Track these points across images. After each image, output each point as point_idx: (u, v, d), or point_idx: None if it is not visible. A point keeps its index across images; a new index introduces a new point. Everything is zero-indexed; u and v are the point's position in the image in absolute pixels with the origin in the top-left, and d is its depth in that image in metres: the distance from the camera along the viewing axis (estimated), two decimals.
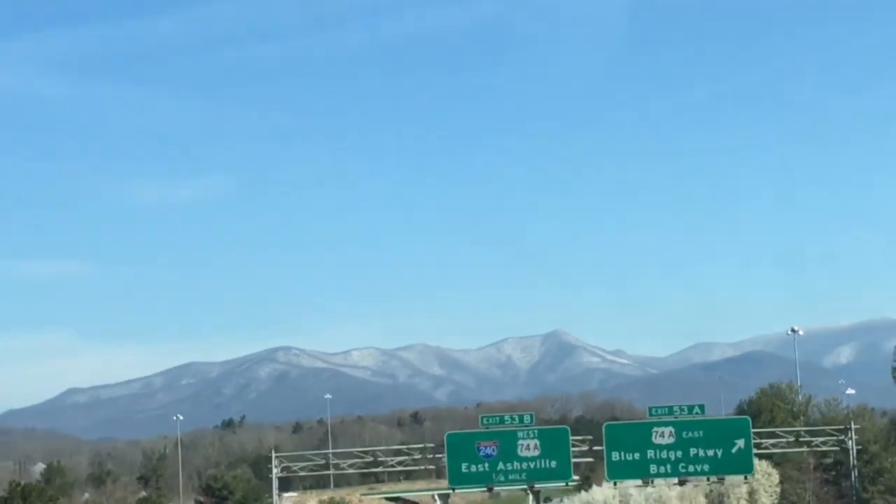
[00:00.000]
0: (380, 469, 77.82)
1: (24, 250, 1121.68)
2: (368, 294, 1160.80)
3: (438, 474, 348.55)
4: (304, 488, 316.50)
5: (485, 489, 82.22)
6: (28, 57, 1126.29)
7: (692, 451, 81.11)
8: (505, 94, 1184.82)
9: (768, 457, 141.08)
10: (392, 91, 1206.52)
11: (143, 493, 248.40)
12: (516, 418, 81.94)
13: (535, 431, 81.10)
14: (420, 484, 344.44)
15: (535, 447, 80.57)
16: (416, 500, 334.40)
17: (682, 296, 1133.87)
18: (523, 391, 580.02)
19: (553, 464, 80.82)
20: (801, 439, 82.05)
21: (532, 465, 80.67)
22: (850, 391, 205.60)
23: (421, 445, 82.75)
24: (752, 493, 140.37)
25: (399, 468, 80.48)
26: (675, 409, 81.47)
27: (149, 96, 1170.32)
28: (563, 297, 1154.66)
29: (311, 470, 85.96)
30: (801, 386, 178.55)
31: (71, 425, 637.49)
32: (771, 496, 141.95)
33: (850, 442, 79.80)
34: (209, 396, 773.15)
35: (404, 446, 79.69)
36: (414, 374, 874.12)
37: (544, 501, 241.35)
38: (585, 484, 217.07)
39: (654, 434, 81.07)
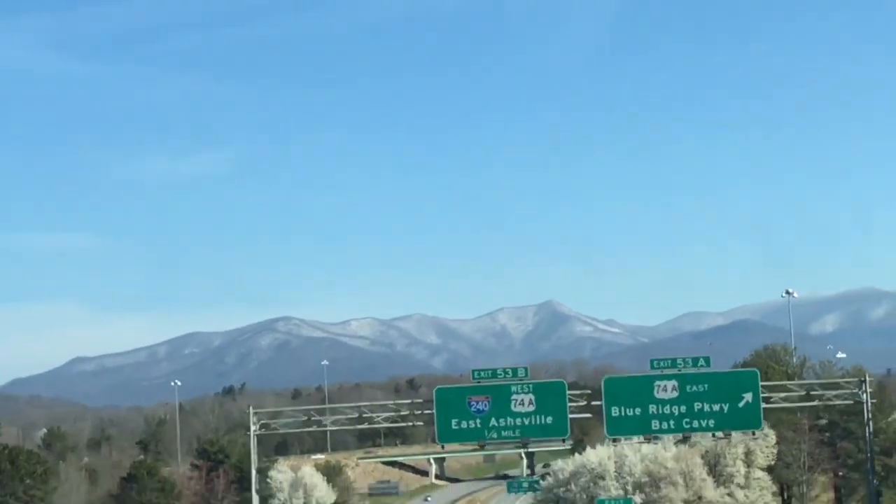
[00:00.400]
0: (365, 426, 70.78)
1: (34, 224, 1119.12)
2: (367, 266, 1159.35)
3: (434, 438, 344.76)
4: (301, 453, 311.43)
5: (476, 446, 74.47)
6: (36, 35, 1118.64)
7: (696, 405, 73.27)
8: (496, 75, 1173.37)
9: (764, 417, 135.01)
10: (389, 70, 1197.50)
11: (141, 457, 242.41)
12: (510, 372, 74.10)
13: (530, 386, 73.43)
14: (416, 448, 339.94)
15: (530, 402, 72.89)
16: (412, 463, 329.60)
17: (672, 266, 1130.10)
18: (517, 359, 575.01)
19: (548, 420, 73.17)
20: (812, 392, 74.21)
21: (526, 422, 73.09)
22: (841, 354, 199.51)
23: (409, 401, 75.16)
24: (748, 453, 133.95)
25: (386, 424, 73.11)
26: (678, 361, 73.22)
27: (154, 74, 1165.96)
28: (557, 268, 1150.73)
29: (292, 427, 78.34)
30: (795, 348, 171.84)
31: (77, 393, 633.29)
32: (767, 457, 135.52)
33: (864, 395, 72.09)
34: (212, 365, 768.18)
35: (392, 402, 72.33)
36: (411, 343, 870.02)
37: (542, 467, 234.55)
38: (579, 447, 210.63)
39: (656, 388, 73.27)
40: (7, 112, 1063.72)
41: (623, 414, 73.11)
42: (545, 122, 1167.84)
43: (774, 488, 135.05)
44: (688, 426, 72.93)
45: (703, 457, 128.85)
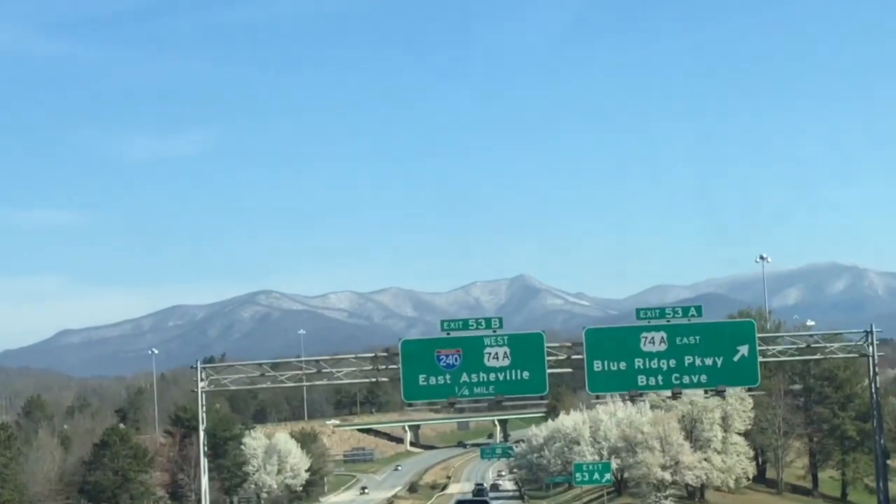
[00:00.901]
0: (324, 381, 61.32)
1: (23, 200, 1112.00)
2: (345, 241, 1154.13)
3: (408, 404, 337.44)
4: (279, 421, 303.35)
5: (446, 403, 64.59)
6: (27, 18, 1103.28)
7: (687, 359, 62.73)
8: (470, 56, 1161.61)
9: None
10: (368, 48, 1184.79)
11: (117, 425, 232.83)
12: (482, 323, 63.78)
13: (505, 338, 62.86)
14: (391, 416, 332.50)
15: (505, 356, 62.56)
16: (388, 431, 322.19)
17: (639, 242, 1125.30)
18: None
19: (525, 375, 62.52)
20: (813, 346, 64.69)
21: (501, 377, 62.64)
22: (811, 322, 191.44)
23: (371, 355, 65.71)
24: (725, 417, 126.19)
25: (348, 381, 64.44)
26: (667, 311, 63.08)
27: (140, 56, 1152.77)
28: (529, 243, 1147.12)
29: (244, 383, 68.99)
30: (770, 312, 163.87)
31: (64, 364, 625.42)
32: (744, 421, 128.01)
33: (870, 347, 62.71)
34: (195, 337, 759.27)
35: (352, 355, 63.27)
36: (388, 315, 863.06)
37: (516, 443, 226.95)
38: (552, 413, 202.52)
39: (642, 340, 63.13)
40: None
41: (606, 368, 62.80)
42: (515, 103, 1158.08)
43: (751, 453, 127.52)
44: (677, 382, 62.57)
45: (679, 421, 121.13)
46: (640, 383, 62.45)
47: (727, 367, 61.65)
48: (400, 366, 63.24)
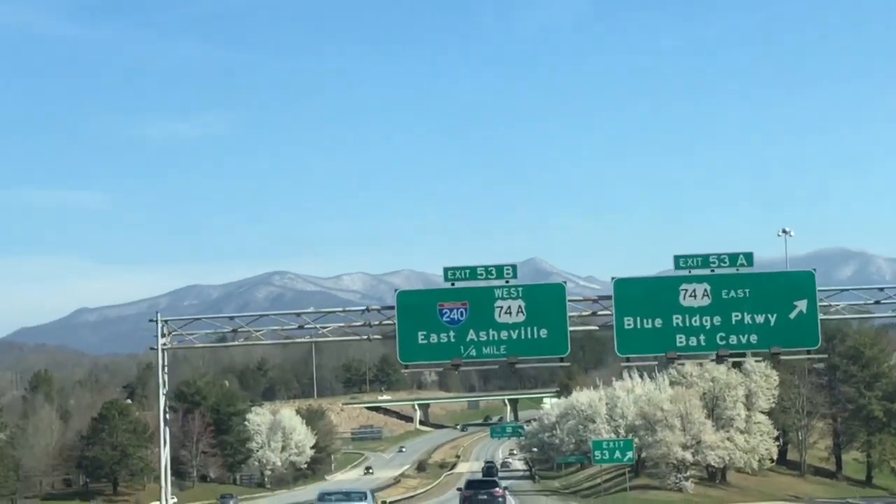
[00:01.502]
0: (306, 339, 50.25)
1: (44, 181, 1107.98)
2: (359, 223, 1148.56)
3: (418, 384, 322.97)
4: (288, 398, 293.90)
5: (449, 365, 52.89)
6: (43, 1, 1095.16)
7: (734, 316, 50.40)
8: (494, 34, 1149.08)
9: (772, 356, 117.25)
10: (382, 32, 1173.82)
11: (128, 401, 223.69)
12: (493, 271, 52.29)
13: (520, 290, 51.18)
14: (401, 394, 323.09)
15: (520, 310, 50.69)
16: (397, 409, 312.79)
17: (651, 222, 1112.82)
18: None
19: (542, 332, 50.21)
20: (884, 301, 52.46)
21: (514, 334, 50.58)
22: None
23: (363, 308, 54.71)
24: (749, 395, 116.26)
25: (333, 339, 54.02)
26: (710, 258, 52.21)
27: (158, 39, 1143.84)
28: (541, 227, 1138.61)
29: (212, 341, 58.16)
30: None
31: (80, 342, 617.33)
32: (769, 399, 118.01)
33: None
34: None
35: (340, 310, 52.53)
36: None
37: (527, 422, 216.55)
38: (565, 392, 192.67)
39: (682, 293, 51.29)
40: (17, 75, 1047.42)
41: (639, 326, 50.62)
42: (536, 82, 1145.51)
43: (775, 433, 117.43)
44: (723, 343, 50.22)
45: (701, 398, 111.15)
46: (678, 344, 50.55)
47: (782, 325, 49.60)
48: (395, 322, 52.27)
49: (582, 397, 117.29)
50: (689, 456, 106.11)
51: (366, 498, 47.21)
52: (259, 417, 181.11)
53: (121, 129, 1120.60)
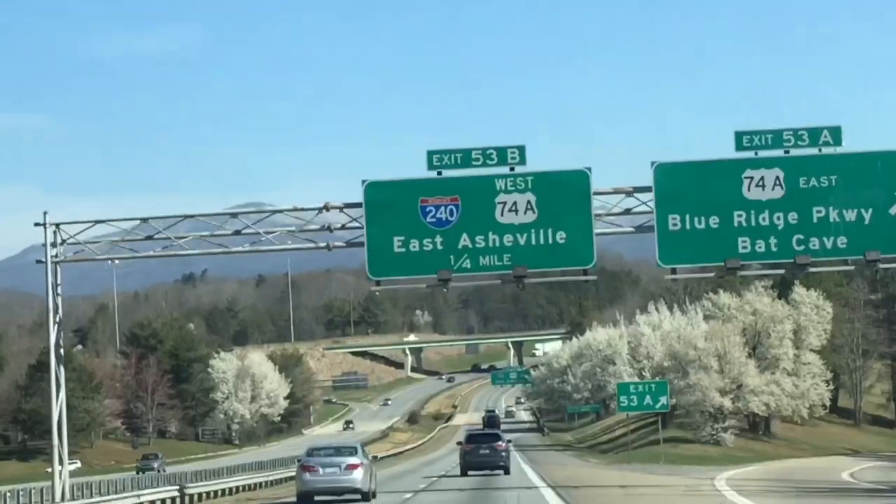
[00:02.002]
0: (247, 249, 41.20)
1: None
2: (340, 154, 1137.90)
3: (410, 327, 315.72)
4: (264, 342, 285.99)
5: (435, 280, 42.73)
6: None
7: (817, 211, 41.31)
8: None
9: (808, 284, 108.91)
10: None
11: (80, 346, 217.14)
12: (494, 155, 42.38)
13: (529, 179, 41.83)
14: (391, 338, 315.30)
15: (529, 207, 41.39)
16: (386, 355, 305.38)
17: (652, 149, 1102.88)
18: None
19: (560, 236, 41.49)
20: None
21: (522, 239, 40.99)
22: None
23: (318, 207, 44.97)
24: (797, 330, 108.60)
25: (280, 248, 45.47)
26: (784, 135, 41.86)
27: None
28: (543, 164, 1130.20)
29: (113, 252, 49.27)
30: None
31: (32, 283, 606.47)
32: (820, 336, 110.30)
33: None
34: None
35: (289, 207, 43.66)
36: None
37: (533, 367, 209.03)
38: (577, 331, 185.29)
39: (746, 183, 42.02)
40: None
41: (688, 227, 41.05)
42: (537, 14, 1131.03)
43: (828, 375, 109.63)
44: (801, 248, 40.55)
45: (742, 334, 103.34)
46: (740, 249, 41.03)
47: (881, 223, 40.23)
48: (364, 224, 43.19)
49: (600, 335, 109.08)
50: (727, 403, 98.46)
51: (356, 452, 45.26)
52: (224, 364, 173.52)
53: (70, 44, 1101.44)
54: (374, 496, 44.76)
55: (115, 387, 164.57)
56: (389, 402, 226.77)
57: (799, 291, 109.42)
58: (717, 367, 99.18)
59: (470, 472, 60.83)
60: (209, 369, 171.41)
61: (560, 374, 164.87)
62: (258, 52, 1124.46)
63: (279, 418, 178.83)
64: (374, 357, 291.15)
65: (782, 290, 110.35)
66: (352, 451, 45.10)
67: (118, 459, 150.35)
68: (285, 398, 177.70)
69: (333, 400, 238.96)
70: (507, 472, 60.73)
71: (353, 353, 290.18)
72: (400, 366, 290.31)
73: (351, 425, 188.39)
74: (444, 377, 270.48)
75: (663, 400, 67.81)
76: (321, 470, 43.29)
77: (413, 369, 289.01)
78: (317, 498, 44.29)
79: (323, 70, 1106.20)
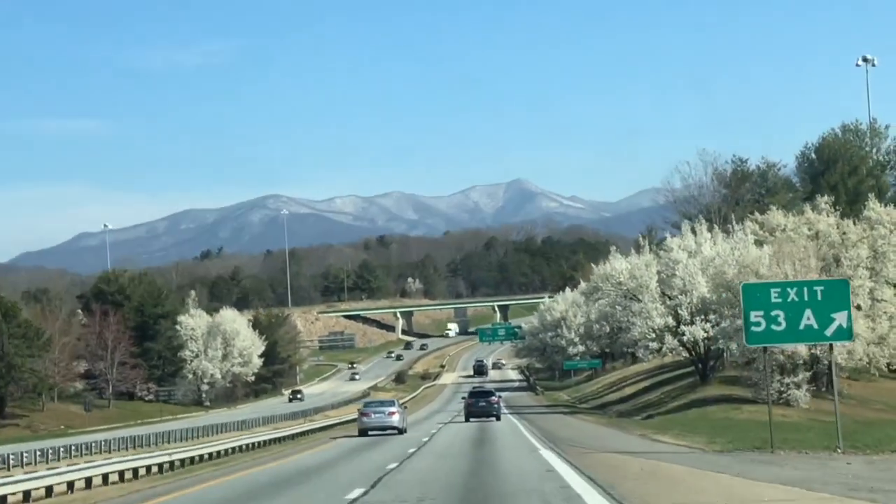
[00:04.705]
0: None
1: (48, 110, 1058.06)
2: (351, 147, 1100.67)
3: (402, 293, 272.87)
4: (264, 307, 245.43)
5: None
6: None
7: None
8: None
9: None
10: None
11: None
12: None
13: None
14: (383, 302, 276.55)
15: None
16: (379, 318, 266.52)
17: (630, 145, 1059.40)
18: (489, 233, 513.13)
19: None
20: None
21: None
22: None
23: None
24: (876, 255, 70.79)
25: None
26: None
27: None
28: (526, 147, 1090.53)
29: None
30: (874, 119, 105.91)
31: (80, 265, 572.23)
32: None
33: None
34: (207, 239, 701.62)
35: None
36: (391, 218, 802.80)
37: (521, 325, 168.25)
38: (570, 284, 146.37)
39: None
40: (25, 7, 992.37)
41: None
42: (519, 8, 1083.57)
43: None
44: None
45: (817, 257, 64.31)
46: None
47: None
48: None
49: (619, 264, 69.43)
50: (802, 348, 59.46)
51: (394, 404, 57.79)
52: (194, 320, 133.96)
53: (120, 58, 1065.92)
54: (405, 431, 53.88)
55: (70, 343, 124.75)
56: (357, 377, 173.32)
57: (874, 207, 70.76)
58: None
59: (471, 419, 63.72)
60: (177, 326, 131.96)
61: (553, 328, 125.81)
62: (283, 63, 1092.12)
63: (252, 377, 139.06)
64: (366, 320, 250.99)
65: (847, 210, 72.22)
66: (391, 403, 58.63)
67: (69, 423, 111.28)
68: (260, 356, 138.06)
69: (322, 360, 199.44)
70: (498, 419, 63.62)
71: (346, 317, 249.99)
72: (392, 329, 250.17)
73: (299, 395, 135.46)
74: (393, 355, 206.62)
75: (840, 319, 27.55)
76: (372, 415, 54.88)
77: (404, 332, 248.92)
78: (370, 432, 53.30)
79: (333, 77, 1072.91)
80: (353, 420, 78.64)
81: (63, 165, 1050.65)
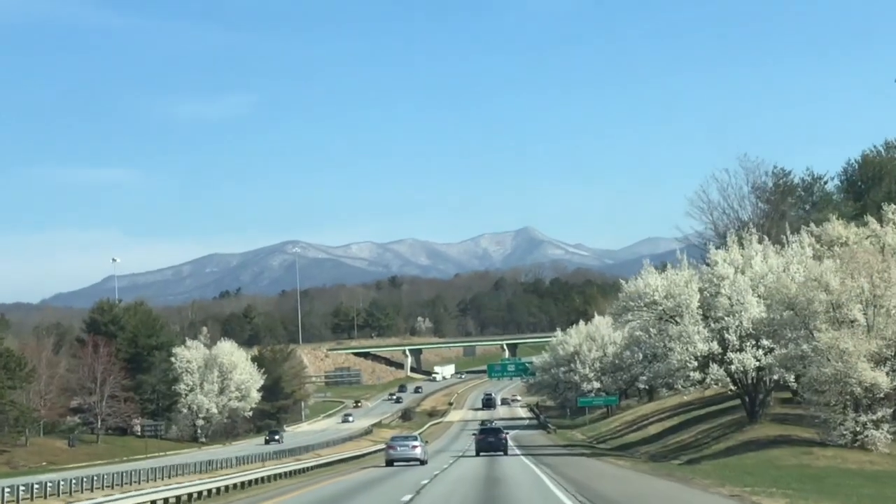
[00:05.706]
0: None
1: (82, 159, 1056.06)
2: (366, 195, 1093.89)
3: (412, 332, 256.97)
4: (275, 344, 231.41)
5: None
6: None
7: None
8: (495, 14, 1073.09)
9: None
10: (394, 21, 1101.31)
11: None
12: None
13: None
14: (392, 340, 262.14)
15: None
16: (388, 356, 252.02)
17: (635, 194, 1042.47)
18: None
19: None
20: None
21: None
22: None
23: None
24: None
25: None
26: None
27: (187, 27, 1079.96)
28: (534, 196, 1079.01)
29: None
30: None
31: None
32: None
33: None
34: (229, 283, 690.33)
35: None
36: (404, 264, 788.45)
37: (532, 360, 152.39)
38: (583, 318, 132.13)
39: None
40: (60, 62, 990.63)
41: None
42: (528, 58, 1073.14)
43: None
44: None
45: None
46: None
47: None
48: None
49: (653, 280, 55.17)
50: (883, 378, 45.43)
51: (417, 438, 61.82)
52: (190, 352, 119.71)
53: (151, 111, 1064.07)
54: (426, 462, 55.79)
55: (62, 377, 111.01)
56: (351, 419, 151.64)
57: None
58: (865, 321, 46.18)
59: (481, 454, 65.67)
60: (172, 358, 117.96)
61: (566, 363, 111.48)
62: (300, 115, 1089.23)
63: (250, 412, 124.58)
64: (375, 358, 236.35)
65: None
66: (415, 437, 62.63)
67: (53, 460, 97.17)
68: (259, 390, 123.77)
69: (329, 396, 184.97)
70: (505, 453, 65.24)
71: (356, 354, 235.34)
72: (400, 366, 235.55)
73: (278, 437, 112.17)
74: (393, 396, 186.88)
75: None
76: (398, 448, 57.62)
77: (413, 369, 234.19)
78: (395, 463, 56.10)
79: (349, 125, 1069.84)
80: (350, 458, 70.01)
81: (95, 211, 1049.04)
